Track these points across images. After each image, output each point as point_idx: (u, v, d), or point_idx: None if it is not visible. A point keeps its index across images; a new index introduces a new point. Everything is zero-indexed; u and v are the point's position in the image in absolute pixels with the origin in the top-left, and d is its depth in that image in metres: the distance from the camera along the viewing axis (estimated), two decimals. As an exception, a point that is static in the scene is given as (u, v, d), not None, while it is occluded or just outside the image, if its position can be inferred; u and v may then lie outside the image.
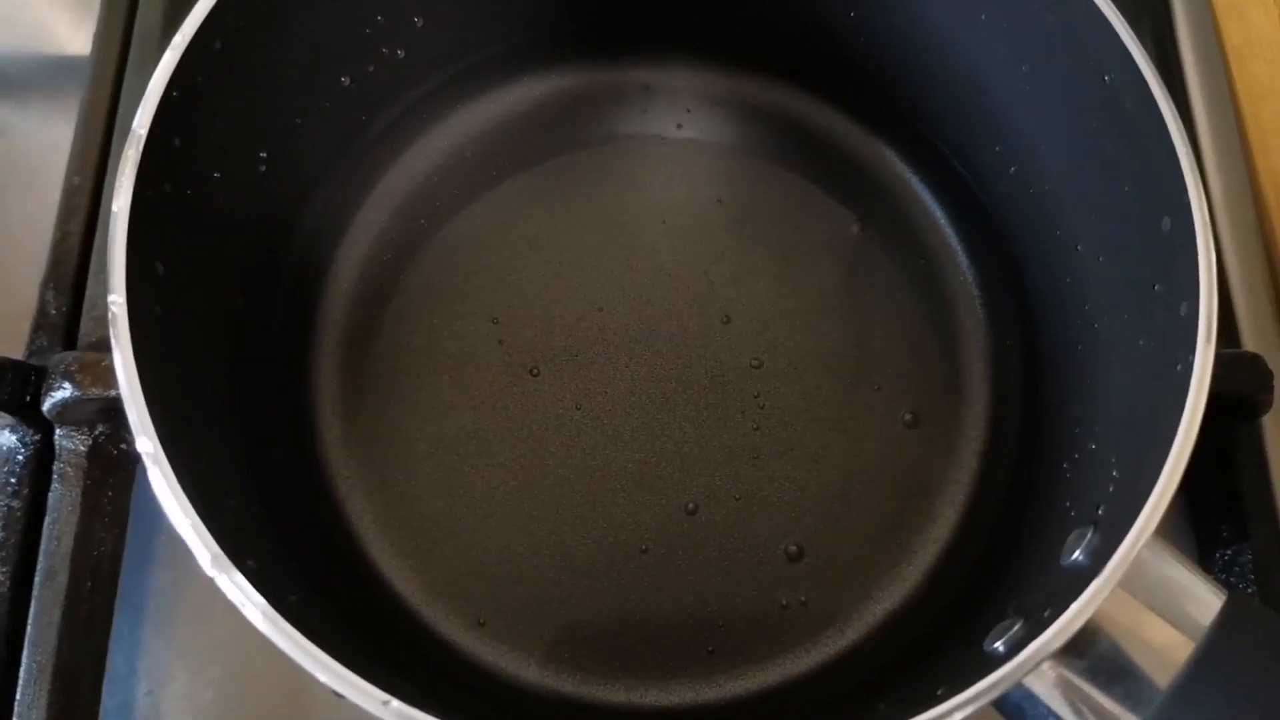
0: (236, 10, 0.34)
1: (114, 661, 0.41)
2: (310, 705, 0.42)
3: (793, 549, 0.41)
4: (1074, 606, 0.28)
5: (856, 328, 0.44)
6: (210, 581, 0.43)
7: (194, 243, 0.35)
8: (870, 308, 0.45)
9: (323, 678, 0.28)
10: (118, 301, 0.30)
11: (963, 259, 0.46)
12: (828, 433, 0.43)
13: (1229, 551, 0.42)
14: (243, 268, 0.39)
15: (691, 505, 0.42)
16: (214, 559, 0.28)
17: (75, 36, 0.55)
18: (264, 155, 0.39)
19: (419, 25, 0.42)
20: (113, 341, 0.30)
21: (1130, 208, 0.36)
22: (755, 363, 0.44)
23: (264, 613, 0.27)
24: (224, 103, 0.35)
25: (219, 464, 0.33)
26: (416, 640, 0.40)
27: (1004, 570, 0.37)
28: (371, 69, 0.42)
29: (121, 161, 0.31)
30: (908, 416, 0.43)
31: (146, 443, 0.28)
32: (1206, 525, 0.43)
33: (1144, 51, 0.34)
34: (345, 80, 0.42)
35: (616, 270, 0.45)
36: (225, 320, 0.38)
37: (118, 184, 0.31)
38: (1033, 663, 0.28)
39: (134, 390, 0.29)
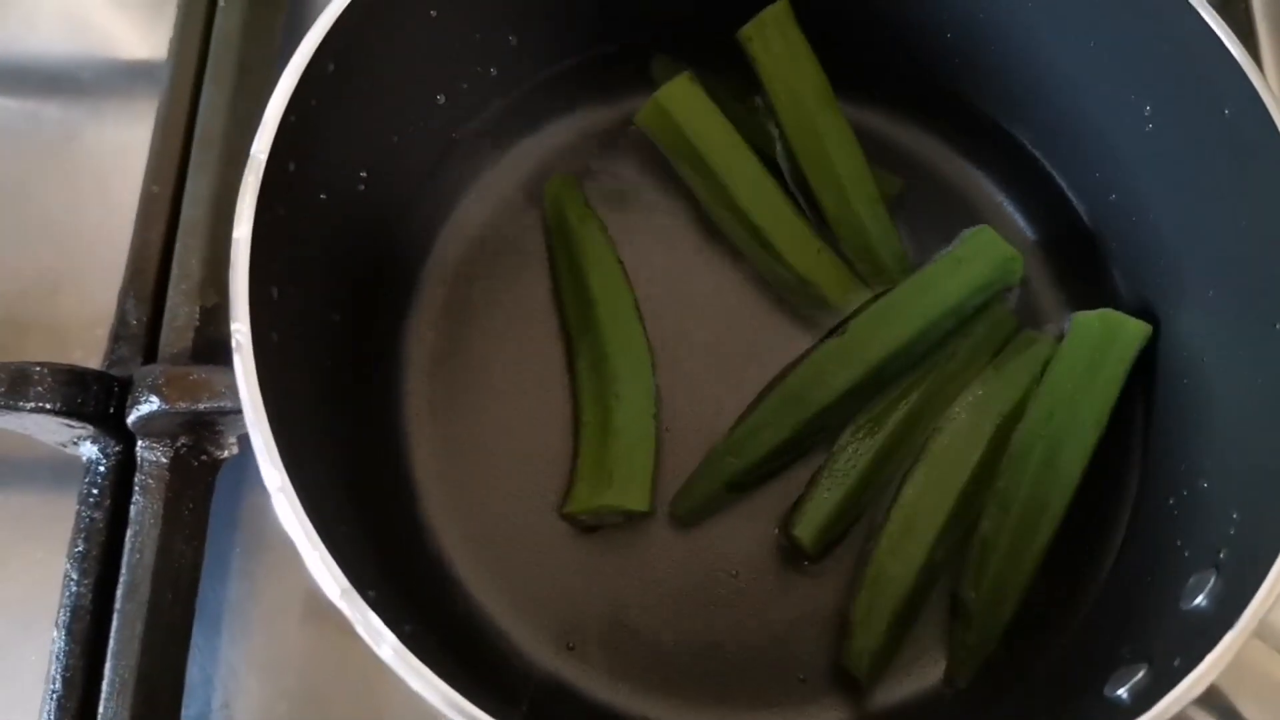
0: (349, 32, 0.34)
1: (190, 673, 0.41)
2: (384, 718, 0.42)
3: (887, 576, 0.41)
4: (1209, 658, 0.27)
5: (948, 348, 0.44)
6: (285, 593, 0.44)
7: (302, 265, 0.35)
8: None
9: (450, 714, 0.27)
10: (242, 330, 0.29)
11: (1054, 281, 0.45)
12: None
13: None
14: (339, 286, 0.39)
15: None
16: (344, 593, 0.28)
17: (146, 41, 0.55)
18: (364, 174, 0.39)
19: (513, 43, 0.42)
20: (238, 371, 0.29)
21: (1246, 244, 0.35)
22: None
23: (394, 649, 0.27)
24: (334, 124, 0.35)
25: (329, 491, 0.33)
26: (506, 663, 0.40)
27: (1112, 608, 0.37)
28: (465, 86, 0.42)
29: (241, 188, 0.31)
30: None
31: (275, 475, 0.28)
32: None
33: (1266, 84, 0.33)
34: (440, 98, 0.42)
35: (705, 286, 0.45)
36: (324, 341, 0.38)
37: (238, 211, 0.31)
38: (1168, 715, 0.27)
39: (260, 421, 0.29)
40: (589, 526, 0.41)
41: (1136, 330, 0.40)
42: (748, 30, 0.44)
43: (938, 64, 0.45)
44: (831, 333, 0.43)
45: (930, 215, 0.46)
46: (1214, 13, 0.34)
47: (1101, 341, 0.41)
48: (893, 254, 0.44)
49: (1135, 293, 0.43)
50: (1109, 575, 0.38)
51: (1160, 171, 0.39)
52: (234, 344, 0.29)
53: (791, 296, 0.45)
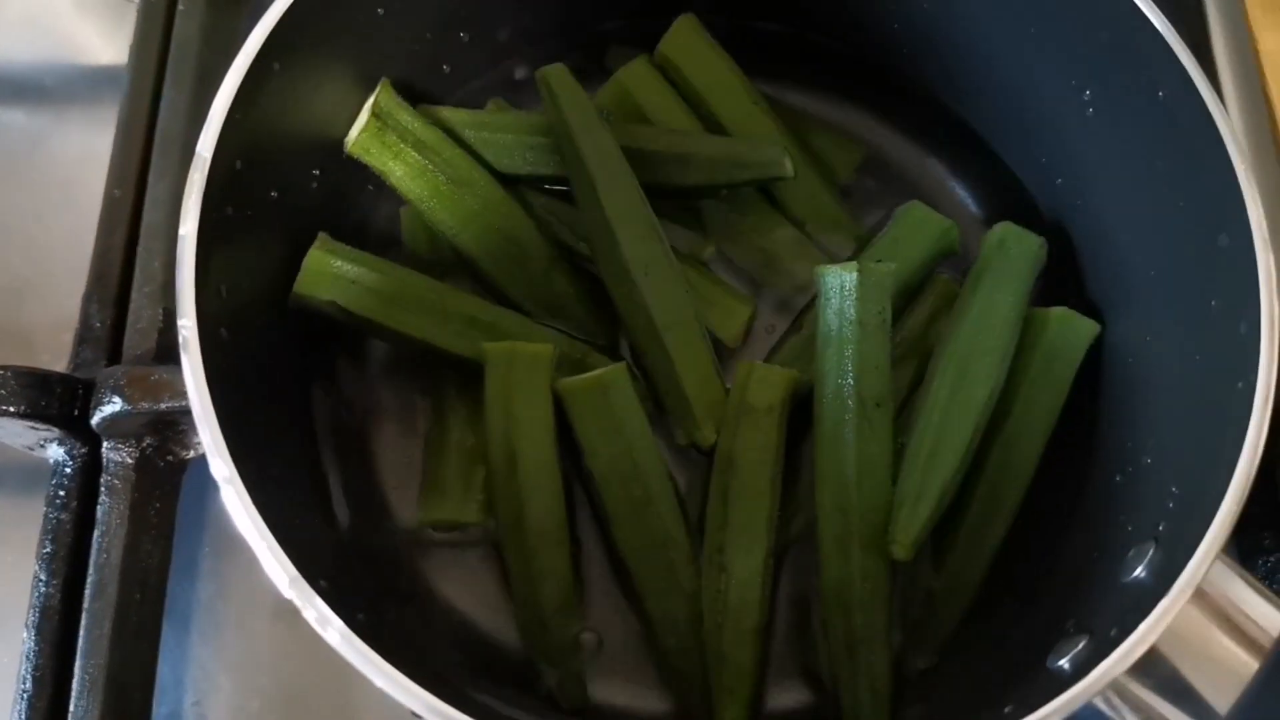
0: (294, 32, 0.34)
1: (161, 672, 0.41)
2: (356, 713, 0.42)
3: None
4: (1143, 626, 0.28)
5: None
6: (255, 592, 0.44)
7: (253, 263, 0.35)
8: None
9: (400, 697, 0.28)
10: (189, 326, 0.30)
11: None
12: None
13: (1271, 559, 0.42)
14: (291, 285, 0.39)
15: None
16: (292, 581, 0.28)
17: (109, 46, 0.55)
18: (317, 173, 0.39)
19: (465, 40, 0.42)
20: (185, 366, 0.30)
21: (1183, 223, 0.36)
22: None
23: (341, 633, 0.28)
24: (283, 123, 0.35)
25: (282, 482, 0.33)
26: (471, 648, 0.40)
27: (1060, 584, 0.37)
28: (418, 85, 0.42)
29: (187, 186, 0.31)
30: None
31: (222, 466, 0.28)
32: (1249, 533, 0.43)
33: (1199, 67, 0.34)
34: (392, 94, 0.42)
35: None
36: (280, 338, 0.38)
37: (184, 208, 0.31)
38: (1103, 682, 0.28)
39: (208, 415, 0.29)
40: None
41: (1086, 330, 0.40)
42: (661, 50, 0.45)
43: (886, 51, 0.45)
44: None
45: (882, 199, 0.46)
46: (1147, -3, 0.35)
47: (1054, 340, 0.40)
48: (847, 230, 0.45)
49: (1082, 274, 0.43)
50: (1059, 553, 0.38)
51: (1102, 155, 0.40)
52: (181, 340, 0.30)
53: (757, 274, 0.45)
